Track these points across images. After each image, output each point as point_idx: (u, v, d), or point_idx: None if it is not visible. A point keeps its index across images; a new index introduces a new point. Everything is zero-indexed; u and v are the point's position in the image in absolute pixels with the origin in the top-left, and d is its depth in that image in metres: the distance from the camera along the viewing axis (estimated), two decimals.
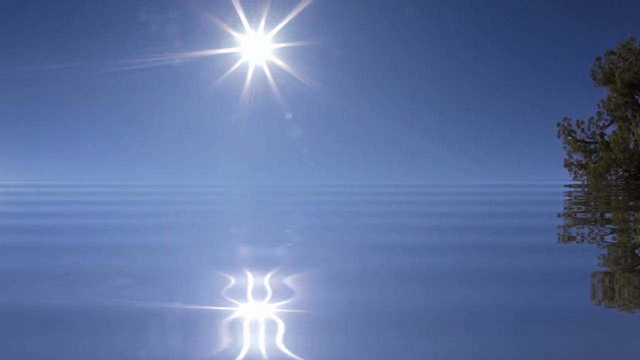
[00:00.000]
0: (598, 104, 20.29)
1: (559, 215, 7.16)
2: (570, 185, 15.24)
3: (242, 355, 1.92)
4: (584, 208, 8.32)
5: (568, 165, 20.21)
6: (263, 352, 1.94)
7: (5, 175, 20.57)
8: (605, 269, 3.50)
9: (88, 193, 12.40)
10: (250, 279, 3.08)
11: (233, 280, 3.03)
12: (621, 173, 19.32)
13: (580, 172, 19.94)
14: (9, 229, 5.68)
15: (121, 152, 21.64)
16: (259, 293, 2.78)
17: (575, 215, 7.17)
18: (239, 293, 2.79)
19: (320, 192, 13.78)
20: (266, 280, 3.04)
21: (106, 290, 2.80)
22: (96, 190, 13.33)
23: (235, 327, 2.21)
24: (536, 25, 23.53)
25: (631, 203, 9.04)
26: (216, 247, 4.45)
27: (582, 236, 4.82)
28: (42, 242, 4.51)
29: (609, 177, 19.33)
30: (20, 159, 20.69)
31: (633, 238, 4.70)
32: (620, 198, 10.76)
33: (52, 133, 21.46)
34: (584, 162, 19.91)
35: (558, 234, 5.04)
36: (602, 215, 7.19)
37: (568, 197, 11.26)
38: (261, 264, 3.51)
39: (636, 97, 19.79)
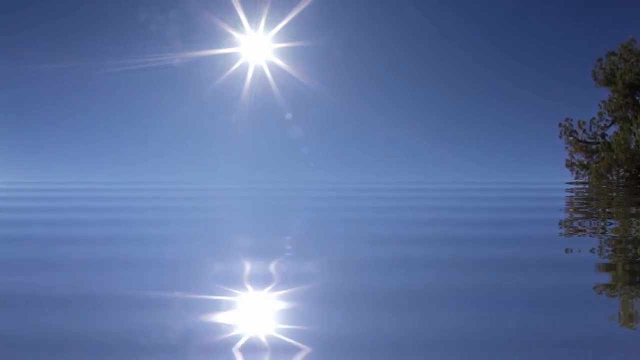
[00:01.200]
0: (599, 105, 20.29)
1: (560, 224, 7.13)
2: (571, 189, 15.23)
3: None
4: (584, 214, 8.30)
5: (570, 165, 20.25)
6: None
7: (6, 175, 20.56)
8: (607, 281, 3.49)
9: (88, 197, 12.38)
10: (250, 291, 3.07)
11: (231, 293, 3.02)
12: (622, 173, 19.34)
13: (582, 172, 19.98)
14: (8, 230, 5.67)
15: (121, 152, 21.63)
16: (258, 305, 2.78)
17: (576, 223, 7.15)
18: (238, 307, 2.78)
19: (321, 192, 13.76)
20: (265, 293, 3.03)
21: (106, 296, 2.80)
22: (96, 193, 13.31)
23: (232, 343, 2.19)
24: (536, 25, 23.47)
25: (632, 210, 9.02)
26: (215, 256, 4.44)
27: (582, 248, 4.81)
28: (41, 246, 4.50)
29: (610, 177, 19.36)
30: (20, 159, 20.67)
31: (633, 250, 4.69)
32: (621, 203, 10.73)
33: (52, 133, 21.43)
34: (585, 163, 19.94)
35: (561, 248, 5.01)
36: (603, 223, 7.17)
37: (569, 204, 11.22)
38: (260, 272, 3.50)
39: (637, 98, 19.77)
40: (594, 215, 8.01)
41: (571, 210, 9.08)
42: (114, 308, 2.69)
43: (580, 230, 6.05)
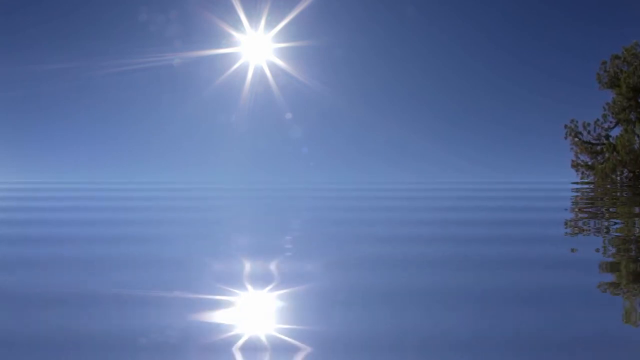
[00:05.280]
0: (603, 107, 20.28)
1: (566, 209, 6.99)
2: (577, 185, 15.16)
3: None
4: (591, 205, 8.16)
5: (575, 165, 20.23)
6: None
7: (5, 176, 20.54)
8: (611, 259, 3.38)
9: (88, 197, 12.30)
10: (249, 292, 2.98)
11: (232, 293, 2.94)
12: (626, 174, 19.36)
13: (587, 173, 19.99)
14: (10, 225, 5.59)
15: (121, 152, 21.56)
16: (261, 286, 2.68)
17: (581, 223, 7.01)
18: (239, 286, 2.69)
19: (321, 192, 13.68)
20: (264, 293, 2.94)
21: (105, 284, 2.73)
22: (96, 191, 13.24)
23: (232, 342, 2.09)
24: (540, 27, 23.42)
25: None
26: (216, 253, 4.32)
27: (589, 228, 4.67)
28: (42, 243, 4.46)
29: (614, 178, 19.34)
30: (20, 159, 20.64)
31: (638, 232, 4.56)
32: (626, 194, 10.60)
33: (52, 133, 21.41)
34: (590, 164, 19.93)
35: (565, 230, 4.88)
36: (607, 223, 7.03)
37: (577, 193, 11.12)
38: (263, 256, 3.42)
39: None
40: (598, 215, 7.85)
41: (576, 210, 8.94)
42: (113, 307, 2.54)
43: (584, 230, 5.91)
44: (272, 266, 3.02)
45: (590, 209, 7.01)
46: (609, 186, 14.44)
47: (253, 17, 15.85)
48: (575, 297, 2.43)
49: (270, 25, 16.07)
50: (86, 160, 21.30)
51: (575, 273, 2.93)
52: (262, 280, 2.75)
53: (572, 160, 20.01)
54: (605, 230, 4.68)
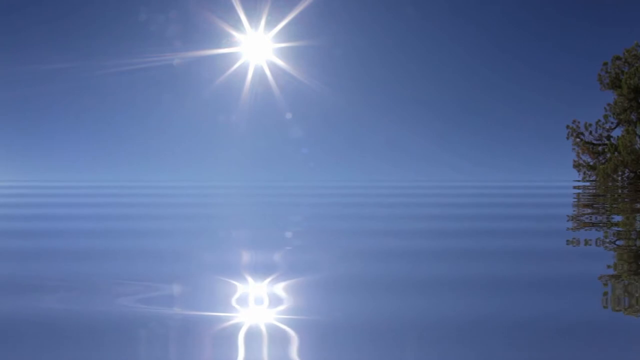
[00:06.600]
0: (605, 107, 20.35)
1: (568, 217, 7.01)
2: (578, 189, 15.16)
3: None
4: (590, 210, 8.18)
5: (577, 166, 20.29)
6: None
7: (5, 176, 20.52)
8: (612, 272, 3.39)
9: (87, 194, 12.30)
10: (249, 284, 2.99)
11: (232, 286, 2.94)
12: (627, 174, 19.44)
13: (589, 173, 20.08)
14: (8, 231, 5.56)
15: (121, 152, 21.55)
16: (258, 299, 2.70)
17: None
18: (239, 299, 2.70)
19: (321, 192, 13.66)
20: (265, 285, 2.95)
21: (106, 294, 2.71)
22: (95, 190, 13.23)
23: (234, 334, 2.13)
24: (541, 27, 23.38)
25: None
26: (215, 249, 4.35)
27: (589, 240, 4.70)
28: (41, 245, 4.40)
29: (616, 177, 19.41)
30: (20, 159, 20.63)
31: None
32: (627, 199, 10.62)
33: (52, 133, 21.40)
34: (592, 164, 20.01)
35: (567, 239, 4.91)
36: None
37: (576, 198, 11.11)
38: (261, 268, 3.42)
39: None
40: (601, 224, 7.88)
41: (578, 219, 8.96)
42: (114, 299, 2.60)
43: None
44: (266, 283, 3.03)
45: (592, 220, 7.05)
46: (609, 193, 14.45)
47: (253, 17, 15.86)
48: (575, 318, 2.45)
49: (270, 25, 16.09)
50: (86, 160, 21.31)
51: (576, 289, 2.95)
52: (255, 297, 2.77)
53: (574, 161, 20.10)
54: (608, 242, 4.71)
